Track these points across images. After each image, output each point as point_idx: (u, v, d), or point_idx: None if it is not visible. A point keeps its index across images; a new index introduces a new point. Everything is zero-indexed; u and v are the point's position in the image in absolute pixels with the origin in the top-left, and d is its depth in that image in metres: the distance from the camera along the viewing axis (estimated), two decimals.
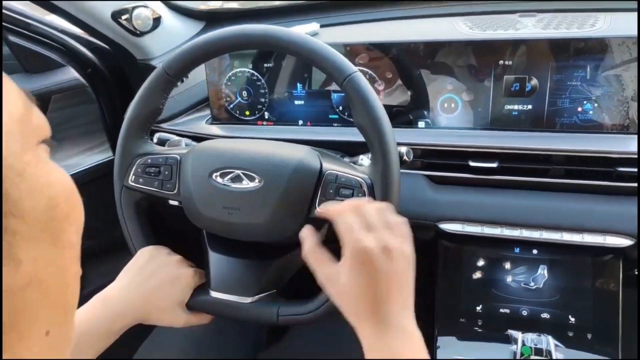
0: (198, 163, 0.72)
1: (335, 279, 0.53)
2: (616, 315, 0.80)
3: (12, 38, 1.04)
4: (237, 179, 0.70)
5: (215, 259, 0.76)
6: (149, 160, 0.76)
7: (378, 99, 0.65)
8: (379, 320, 0.50)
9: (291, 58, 0.97)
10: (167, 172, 0.75)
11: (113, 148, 1.18)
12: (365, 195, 0.66)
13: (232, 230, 0.72)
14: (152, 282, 0.71)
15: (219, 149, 0.73)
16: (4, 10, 0.99)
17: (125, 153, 0.76)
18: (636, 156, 0.79)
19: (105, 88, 1.17)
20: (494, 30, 0.93)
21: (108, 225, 1.24)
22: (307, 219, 0.69)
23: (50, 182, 0.29)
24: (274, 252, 0.76)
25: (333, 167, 0.70)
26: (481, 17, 1.05)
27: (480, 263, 0.87)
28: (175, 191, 0.75)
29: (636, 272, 0.85)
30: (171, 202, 0.78)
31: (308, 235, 0.60)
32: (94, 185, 1.18)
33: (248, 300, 0.72)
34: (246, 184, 0.70)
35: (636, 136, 0.82)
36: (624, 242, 0.78)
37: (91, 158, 1.19)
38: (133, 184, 0.76)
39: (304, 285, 0.90)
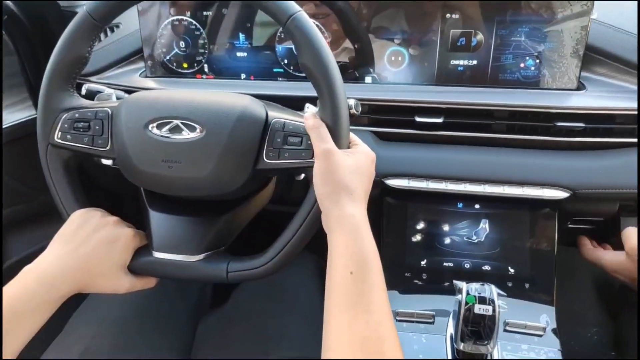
0: (132, 114, 0.67)
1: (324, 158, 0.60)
2: (552, 266, 0.83)
3: None
4: (176, 129, 0.65)
5: (156, 218, 0.72)
6: (77, 115, 0.69)
7: (324, 39, 0.62)
8: (338, 196, 0.58)
9: (233, 5, 0.91)
10: (97, 127, 0.69)
11: (36, 104, 1.09)
12: None
13: (173, 185, 0.67)
14: (87, 247, 0.65)
15: (154, 98, 0.68)
16: None
17: (48, 107, 0.69)
18: (574, 111, 0.81)
19: (25, 38, 1.06)
20: None
21: (35, 189, 1.16)
22: (254, 171, 0.66)
23: None
24: (220, 208, 0.72)
25: (279, 114, 0.67)
26: None
27: (425, 219, 0.88)
28: (108, 147, 0.69)
29: (569, 225, 0.89)
30: (104, 161, 0.72)
31: (311, 116, 0.63)
32: (17, 146, 1.09)
33: (194, 258, 0.68)
34: (186, 135, 0.65)
35: (574, 92, 0.84)
36: (561, 194, 0.80)
37: (12, 116, 1.09)
38: (60, 140, 0.69)
39: (253, 241, 0.88)
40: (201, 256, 0.69)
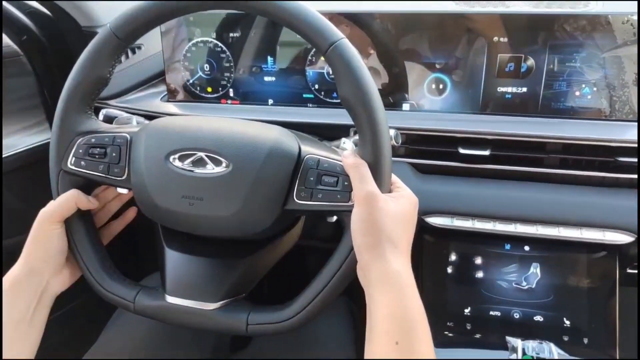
0: (152, 143, 0.60)
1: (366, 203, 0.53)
2: (613, 317, 0.74)
3: None
4: (199, 162, 0.59)
5: (172, 257, 0.65)
6: (93, 140, 0.63)
7: (367, 70, 0.55)
8: (381, 248, 0.51)
9: (260, 27, 0.85)
10: (114, 154, 0.62)
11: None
12: (351, 184, 0.56)
13: (193, 223, 0.60)
14: (31, 245, 0.62)
15: (177, 126, 0.62)
16: None
17: (64, 129, 0.63)
18: (636, 145, 0.73)
19: (44, 59, 1.02)
20: (482, 7, 0.85)
21: None
22: (282, 212, 0.59)
23: None
24: (242, 250, 0.65)
25: (313, 150, 0.60)
26: None
27: (468, 260, 0.79)
28: (124, 177, 0.62)
29: (635, 270, 0.80)
30: (120, 190, 0.66)
31: (350, 155, 0.56)
32: (30, 171, 1.04)
33: (211, 306, 0.61)
34: (211, 169, 0.58)
35: (636, 124, 0.76)
36: (624, 238, 0.72)
37: (27, 139, 1.04)
38: (73, 167, 0.63)
39: (276, 281, 0.80)
40: (219, 304, 0.62)
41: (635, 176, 0.74)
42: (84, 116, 0.64)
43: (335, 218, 0.63)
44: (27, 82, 1.01)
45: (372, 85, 0.55)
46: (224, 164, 0.58)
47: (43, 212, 0.62)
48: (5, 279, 0.60)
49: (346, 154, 0.56)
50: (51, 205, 0.62)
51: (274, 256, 0.68)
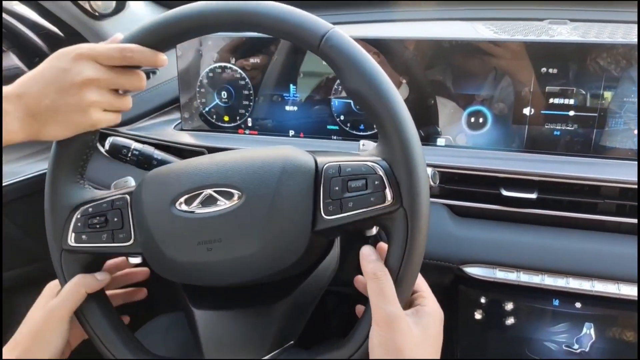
0: (153, 193, 0.53)
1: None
2: None
3: None
4: (209, 200, 0.51)
5: (203, 318, 0.57)
6: (91, 210, 0.56)
7: (370, 57, 0.49)
8: None
9: (283, 53, 0.79)
10: (116, 219, 0.55)
11: None
12: (383, 182, 0.48)
13: (216, 272, 0.52)
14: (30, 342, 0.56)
15: (177, 169, 0.54)
16: None
17: (56, 206, 0.56)
18: None
19: None
20: (524, 36, 0.78)
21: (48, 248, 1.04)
22: (313, 234, 0.50)
23: None
24: (278, 291, 0.57)
25: (330, 158, 0.52)
26: (504, 23, 0.90)
27: (510, 318, 0.70)
28: (131, 241, 0.55)
29: None
30: (132, 260, 0.58)
31: (369, 255, 0.49)
32: (33, 200, 0.98)
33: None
34: (223, 205, 0.51)
35: None
36: None
37: (33, 166, 0.99)
38: (75, 244, 0.56)
39: (327, 324, 0.71)
40: (268, 357, 0.54)
41: None
42: (76, 186, 0.57)
43: (375, 230, 0.55)
44: None
45: (382, 72, 0.49)
46: (236, 196, 0.51)
47: (50, 310, 0.55)
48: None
49: (365, 252, 0.49)
50: (58, 301, 0.55)
51: (315, 293, 0.60)
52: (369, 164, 0.49)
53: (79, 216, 0.56)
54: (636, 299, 0.64)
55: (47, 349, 0.54)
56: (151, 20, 0.53)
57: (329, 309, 0.69)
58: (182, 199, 0.51)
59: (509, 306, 0.70)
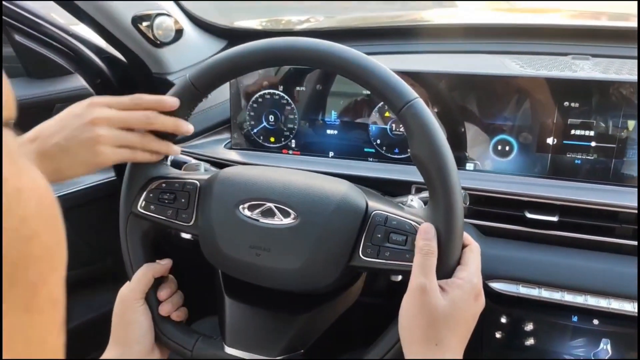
0: (223, 191, 0.61)
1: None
2: None
3: (17, 38, 0.94)
4: (268, 213, 0.59)
5: (232, 306, 0.64)
6: (164, 185, 0.65)
7: (441, 131, 0.55)
8: (423, 347, 0.50)
9: (325, 81, 0.87)
10: (183, 200, 0.64)
11: (115, 168, 1.07)
12: None
13: (258, 274, 0.60)
14: (120, 329, 0.63)
15: (248, 176, 0.62)
16: (9, 5, 0.89)
17: (136, 174, 0.65)
18: None
19: None
20: (548, 71, 0.84)
21: (101, 253, 1.12)
22: (346, 267, 0.58)
23: (21, 191, 0.17)
24: (302, 304, 0.64)
25: (381, 206, 0.59)
26: (530, 57, 0.97)
27: (531, 332, 0.75)
28: (191, 222, 0.63)
29: None
30: (184, 235, 0.67)
31: (426, 233, 0.53)
32: (91, 208, 1.07)
33: None
34: (279, 220, 0.58)
35: None
36: None
37: (90, 177, 1.08)
38: (143, 210, 0.65)
39: (335, 343, 0.78)
40: (277, 359, 0.60)
41: None
42: (156, 161, 0.66)
43: (400, 277, 0.62)
44: None
45: (447, 147, 0.55)
46: (292, 216, 0.58)
47: (124, 294, 0.63)
48: None
49: (423, 228, 0.54)
50: (131, 285, 0.63)
51: (333, 314, 0.67)
52: (413, 223, 0.56)
53: (152, 187, 0.64)
54: None
55: (134, 329, 0.62)
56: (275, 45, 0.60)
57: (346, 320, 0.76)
58: (246, 205, 0.59)
59: (530, 320, 0.75)
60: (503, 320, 0.76)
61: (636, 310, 0.69)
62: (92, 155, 0.57)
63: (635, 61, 0.92)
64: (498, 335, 0.76)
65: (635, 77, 0.76)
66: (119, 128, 0.59)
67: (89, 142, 0.57)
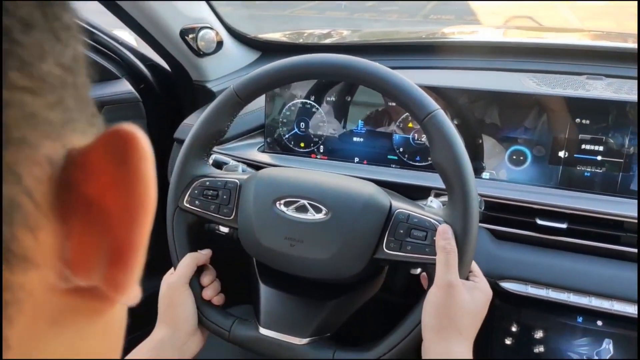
0: (261, 188, 0.69)
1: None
2: None
3: None
4: (302, 209, 0.66)
5: (266, 292, 0.71)
6: (207, 183, 0.72)
7: (461, 140, 0.62)
8: (446, 333, 0.57)
9: (353, 93, 0.94)
10: (225, 197, 0.71)
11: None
12: None
13: (291, 264, 0.67)
14: (167, 310, 0.70)
15: (284, 176, 0.70)
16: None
17: (184, 172, 0.73)
18: None
19: (155, 105, 1.16)
20: (563, 89, 0.90)
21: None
22: (371, 260, 0.64)
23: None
24: (330, 292, 0.71)
25: (404, 206, 0.66)
26: (546, 76, 1.03)
27: (538, 330, 0.81)
28: (232, 217, 0.71)
29: None
30: (223, 229, 0.74)
31: (444, 233, 0.60)
32: None
33: (300, 342, 0.67)
34: (311, 216, 0.66)
35: None
36: None
37: None
38: (188, 205, 0.73)
39: (358, 331, 0.84)
40: (307, 340, 0.67)
41: None
42: (201, 162, 0.74)
43: (419, 270, 0.68)
44: (139, 125, 1.14)
45: (465, 155, 0.61)
46: (323, 212, 0.65)
47: (171, 281, 0.70)
48: (149, 341, 0.67)
49: (441, 229, 0.61)
50: (178, 271, 0.71)
51: (358, 301, 0.73)
52: (433, 221, 0.63)
53: (197, 185, 0.72)
54: None
55: (181, 311, 0.69)
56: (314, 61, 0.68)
57: (368, 313, 0.82)
58: (282, 201, 0.66)
59: (537, 319, 0.81)
60: (512, 320, 0.82)
61: (636, 312, 0.74)
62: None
63: None
64: (509, 336, 0.82)
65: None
66: None
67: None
